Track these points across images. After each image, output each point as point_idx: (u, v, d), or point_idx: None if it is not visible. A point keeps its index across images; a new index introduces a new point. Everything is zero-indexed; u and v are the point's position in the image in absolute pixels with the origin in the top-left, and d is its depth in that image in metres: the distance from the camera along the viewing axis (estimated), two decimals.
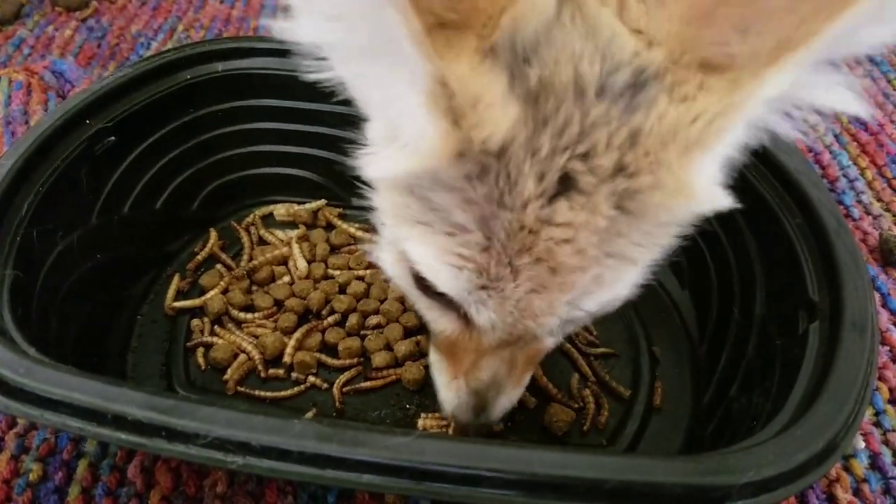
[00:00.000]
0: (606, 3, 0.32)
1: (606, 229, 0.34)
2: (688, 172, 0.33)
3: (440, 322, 0.42)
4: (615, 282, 0.37)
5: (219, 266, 0.65)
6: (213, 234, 0.68)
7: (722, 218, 0.58)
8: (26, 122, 0.78)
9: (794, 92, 0.33)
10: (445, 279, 0.37)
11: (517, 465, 0.35)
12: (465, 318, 0.39)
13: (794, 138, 0.36)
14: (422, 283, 0.39)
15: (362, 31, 0.30)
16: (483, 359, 0.42)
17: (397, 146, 0.34)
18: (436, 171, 0.33)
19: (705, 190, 0.35)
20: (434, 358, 0.46)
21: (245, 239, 0.68)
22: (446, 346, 0.44)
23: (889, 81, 0.89)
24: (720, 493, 0.34)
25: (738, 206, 0.36)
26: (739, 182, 0.55)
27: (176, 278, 0.64)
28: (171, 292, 0.63)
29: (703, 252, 0.61)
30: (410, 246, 0.37)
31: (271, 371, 0.58)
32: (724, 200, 0.36)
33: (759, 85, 0.32)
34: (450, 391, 0.44)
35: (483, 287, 0.36)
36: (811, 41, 0.30)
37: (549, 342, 0.44)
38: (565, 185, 0.33)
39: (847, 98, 0.33)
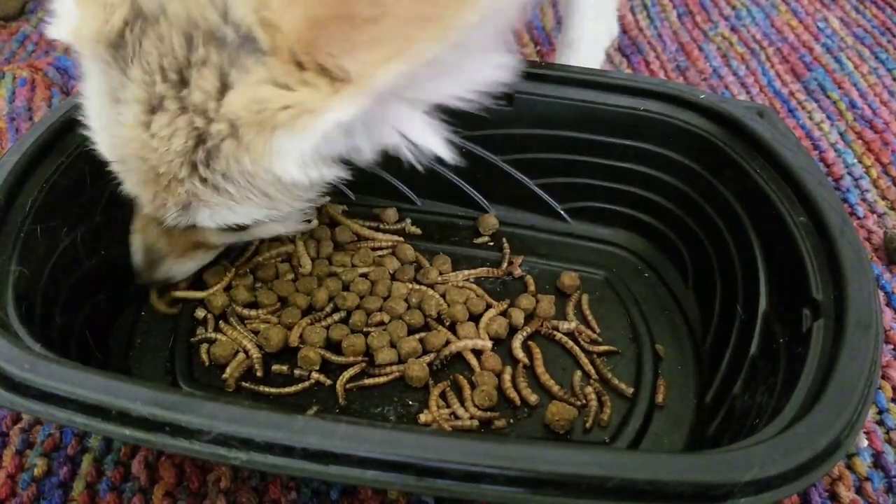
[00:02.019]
0: None
1: (188, 154, 0.41)
2: (267, 147, 0.40)
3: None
4: (214, 206, 0.45)
5: (223, 262, 0.65)
6: None
7: (726, 216, 0.59)
8: (30, 119, 0.78)
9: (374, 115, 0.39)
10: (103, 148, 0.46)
11: (520, 462, 0.35)
12: None
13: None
14: None
15: None
16: (142, 224, 0.53)
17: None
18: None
19: (287, 167, 0.41)
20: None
21: None
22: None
23: (895, 79, 0.89)
24: (723, 491, 0.34)
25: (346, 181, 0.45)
26: (743, 179, 0.56)
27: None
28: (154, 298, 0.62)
29: (706, 250, 0.61)
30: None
31: (274, 367, 0.58)
32: (302, 178, 0.42)
33: (340, 104, 0.37)
34: (133, 241, 0.55)
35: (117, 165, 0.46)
36: (376, 77, 0.36)
37: (211, 237, 0.54)
38: (160, 103, 0.40)
39: (418, 133, 0.41)
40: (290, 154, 0.40)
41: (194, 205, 0.45)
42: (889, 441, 0.55)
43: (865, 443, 0.54)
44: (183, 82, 0.39)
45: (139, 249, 0.54)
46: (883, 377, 0.58)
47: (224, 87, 0.38)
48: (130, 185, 0.47)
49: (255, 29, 0.36)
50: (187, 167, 0.42)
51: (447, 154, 0.41)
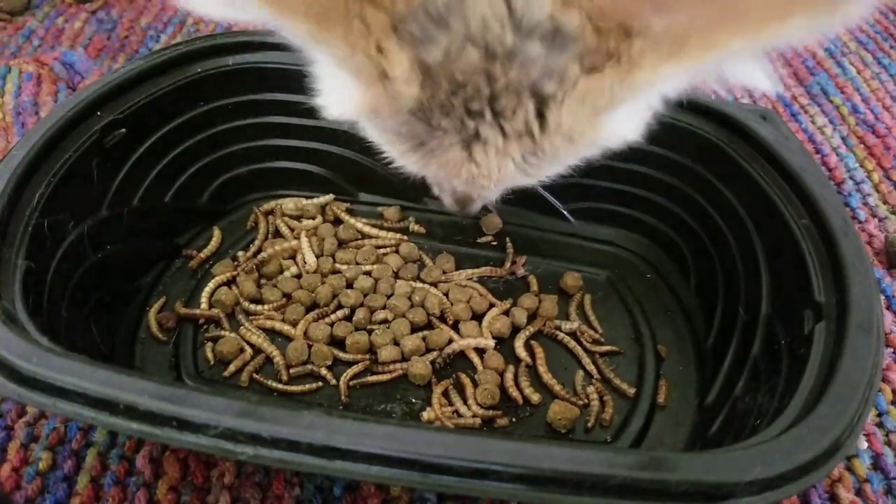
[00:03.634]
0: None
1: (516, 167, 0.38)
2: (595, 130, 0.36)
3: None
4: (528, 179, 0.42)
5: (232, 256, 0.66)
6: (217, 232, 0.68)
7: (729, 217, 0.59)
8: (36, 113, 0.78)
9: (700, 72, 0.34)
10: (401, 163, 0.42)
11: (524, 460, 0.35)
12: None
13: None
14: None
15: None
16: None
17: (331, 97, 0.38)
18: (370, 116, 0.38)
19: (611, 135, 0.37)
20: None
21: (262, 226, 0.69)
22: None
23: None
24: (725, 490, 0.35)
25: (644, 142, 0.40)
26: (746, 181, 0.56)
27: (157, 305, 0.62)
28: (152, 315, 0.61)
29: (709, 251, 0.61)
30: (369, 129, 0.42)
31: (277, 363, 0.58)
32: (630, 137, 0.38)
33: (660, 70, 0.32)
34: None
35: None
36: (734, 37, 0.31)
37: None
38: (479, 137, 0.36)
39: (757, 76, 0.35)
40: (622, 126, 0.37)
41: (509, 182, 0.42)
42: (888, 443, 0.55)
43: (865, 445, 0.55)
44: (496, 114, 0.35)
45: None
46: (883, 380, 0.58)
47: (541, 104, 0.34)
48: (444, 191, 0.47)
49: (558, 16, 0.32)
50: (509, 175, 0.39)
51: (771, 87, 0.36)
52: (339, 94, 0.37)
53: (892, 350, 0.61)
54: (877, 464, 0.54)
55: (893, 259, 0.67)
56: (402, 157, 0.41)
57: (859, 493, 0.52)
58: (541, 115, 0.35)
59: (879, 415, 0.57)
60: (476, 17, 0.32)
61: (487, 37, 0.32)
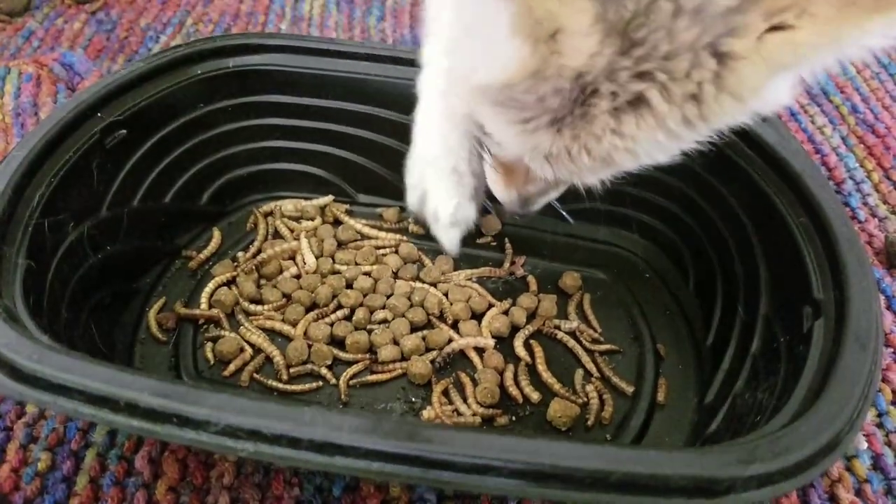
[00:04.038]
0: None
1: (666, 136, 0.36)
2: (764, 91, 0.34)
3: (499, 148, 0.47)
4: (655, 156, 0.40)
5: (231, 257, 0.66)
6: (217, 233, 0.68)
7: (727, 217, 0.59)
8: (36, 114, 0.78)
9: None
10: (515, 148, 0.40)
11: (525, 456, 0.35)
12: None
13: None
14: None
15: None
16: (533, 182, 0.49)
17: (473, 62, 0.36)
18: (511, 86, 0.35)
19: (770, 99, 0.36)
20: (491, 171, 0.52)
21: (262, 227, 0.69)
22: (505, 167, 0.50)
23: None
24: (725, 485, 0.35)
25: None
26: (745, 181, 0.56)
27: (157, 305, 0.62)
28: (152, 315, 0.61)
29: (707, 250, 0.61)
30: (486, 119, 0.40)
31: (278, 362, 0.58)
32: (784, 102, 0.37)
33: (863, 26, 0.31)
34: (505, 194, 0.51)
35: (545, 157, 0.39)
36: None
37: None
38: (637, 104, 0.34)
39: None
40: (782, 89, 0.36)
41: (638, 160, 0.40)
42: (888, 443, 0.55)
43: (865, 445, 0.55)
44: (669, 74, 0.33)
45: (528, 195, 0.51)
46: (883, 380, 0.58)
47: (722, 62, 0.33)
48: (545, 171, 0.42)
49: None
50: (655, 149, 0.38)
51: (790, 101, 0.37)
52: (494, 56, 0.34)
53: (892, 350, 0.61)
54: (877, 464, 0.54)
55: (893, 259, 0.68)
56: (524, 134, 0.38)
57: (859, 493, 0.52)
58: (717, 76, 0.33)
59: (879, 415, 0.57)
60: None
61: None
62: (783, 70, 0.33)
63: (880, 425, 0.56)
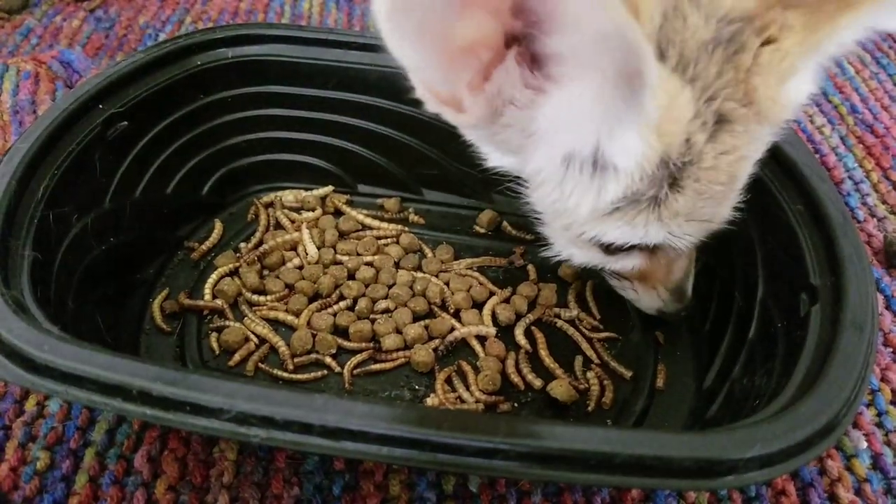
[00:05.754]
0: None
1: (759, 137, 0.42)
2: (783, 96, 0.40)
3: (630, 263, 0.51)
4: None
5: (233, 248, 0.67)
6: (218, 224, 0.69)
7: None
8: (34, 112, 0.78)
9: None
10: (650, 237, 0.45)
11: (531, 439, 0.36)
12: (652, 250, 0.49)
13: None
14: (611, 249, 0.48)
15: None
16: (674, 266, 0.53)
17: (598, 176, 0.41)
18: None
19: (792, 103, 0.42)
20: (621, 285, 0.57)
21: (262, 218, 0.69)
22: (636, 274, 0.54)
23: None
24: (727, 466, 0.36)
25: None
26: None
27: (160, 296, 0.62)
28: (156, 306, 0.61)
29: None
30: (605, 231, 0.45)
31: (282, 352, 0.59)
32: (803, 101, 0.42)
33: (835, 27, 0.38)
34: (652, 299, 0.55)
35: (687, 219, 0.44)
36: None
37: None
38: (721, 122, 0.40)
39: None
40: (797, 92, 0.41)
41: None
42: (888, 443, 0.55)
43: (864, 444, 0.55)
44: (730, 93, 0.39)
45: (676, 285, 0.54)
46: (882, 380, 0.59)
47: (746, 70, 0.39)
48: (684, 242, 0.46)
49: (738, 7, 0.37)
50: (758, 150, 0.44)
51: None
52: (628, 146, 0.38)
53: (892, 350, 0.61)
54: (876, 464, 0.54)
55: (892, 259, 0.68)
56: (653, 218, 0.43)
57: (859, 492, 0.52)
58: (744, 81, 0.39)
59: (879, 415, 0.57)
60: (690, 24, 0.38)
61: (698, 33, 0.37)
62: (784, 75, 0.39)
63: (880, 425, 0.56)
